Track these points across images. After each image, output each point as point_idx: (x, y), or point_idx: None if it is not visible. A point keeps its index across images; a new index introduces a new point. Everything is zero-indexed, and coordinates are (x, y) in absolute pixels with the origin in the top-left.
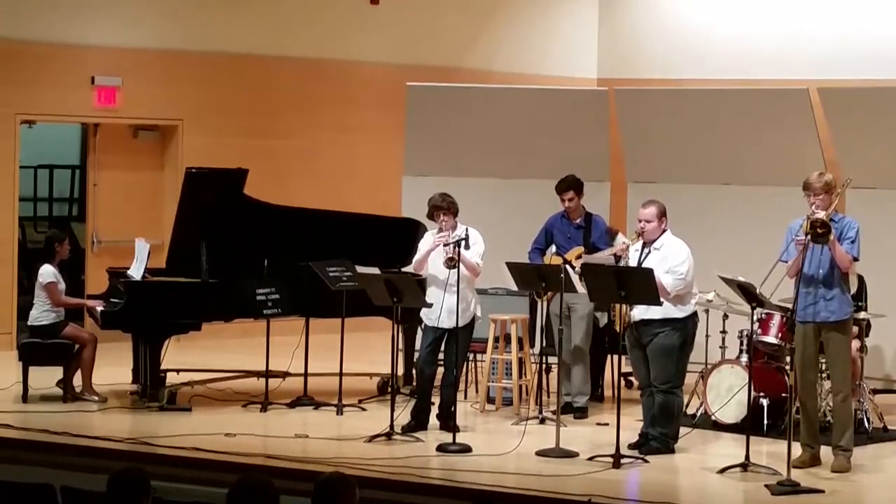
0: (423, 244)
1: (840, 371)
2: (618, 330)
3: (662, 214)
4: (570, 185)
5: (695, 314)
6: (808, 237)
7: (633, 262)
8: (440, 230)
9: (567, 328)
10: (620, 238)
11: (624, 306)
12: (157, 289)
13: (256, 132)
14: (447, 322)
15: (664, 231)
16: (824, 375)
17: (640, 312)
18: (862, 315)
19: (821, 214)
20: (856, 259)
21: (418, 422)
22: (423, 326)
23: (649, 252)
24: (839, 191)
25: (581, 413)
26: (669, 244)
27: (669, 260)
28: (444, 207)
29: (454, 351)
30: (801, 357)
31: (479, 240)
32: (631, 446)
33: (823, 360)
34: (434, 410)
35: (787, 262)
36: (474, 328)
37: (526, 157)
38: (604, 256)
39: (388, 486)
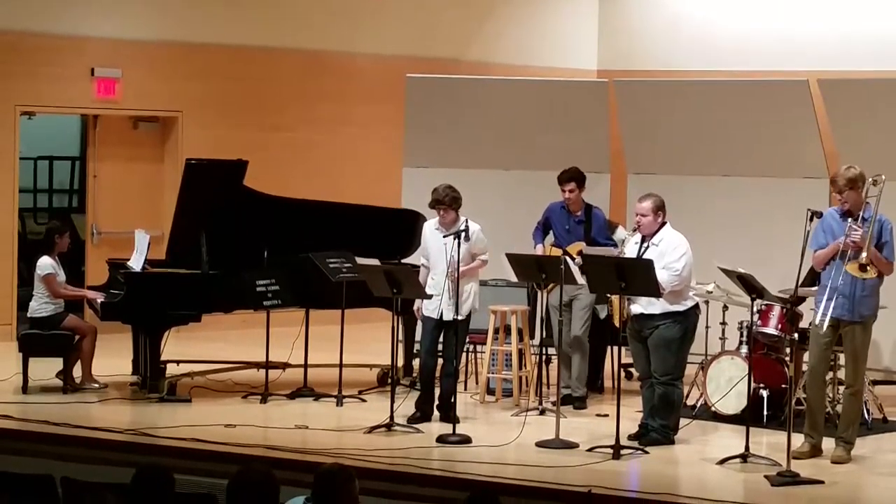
0: (426, 238)
1: (853, 365)
2: (616, 325)
3: (659, 208)
4: (572, 177)
5: (696, 306)
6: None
7: (631, 256)
8: (440, 221)
9: (567, 319)
10: (621, 231)
11: (622, 300)
12: (156, 280)
13: (256, 124)
14: (447, 314)
15: (662, 225)
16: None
17: (642, 307)
18: None
19: (859, 234)
20: (893, 261)
21: (423, 413)
22: (421, 318)
23: (648, 247)
24: (867, 186)
25: (580, 403)
26: (668, 239)
27: (667, 256)
28: (445, 203)
29: (453, 342)
30: (815, 348)
31: (480, 237)
32: (631, 437)
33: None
34: (435, 401)
35: (816, 250)
36: (471, 319)
37: (526, 148)
38: (605, 250)
39: (388, 476)
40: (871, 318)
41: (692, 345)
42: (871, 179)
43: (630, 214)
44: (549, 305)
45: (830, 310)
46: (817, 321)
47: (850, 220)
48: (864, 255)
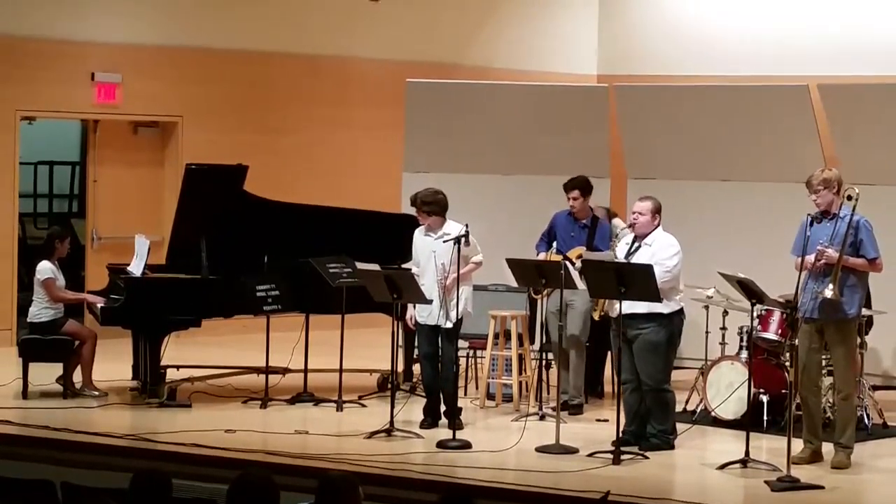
0: (416, 246)
1: (842, 369)
2: (595, 318)
3: (657, 211)
4: (576, 185)
5: (681, 311)
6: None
7: (621, 255)
8: (427, 227)
9: (565, 323)
10: (618, 222)
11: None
12: (156, 285)
13: (256, 128)
14: (442, 319)
15: (656, 227)
16: (825, 372)
17: (625, 306)
18: (863, 312)
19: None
20: (876, 258)
21: (434, 418)
22: (415, 326)
23: (639, 247)
24: (842, 200)
25: (576, 410)
26: (660, 240)
27: (659, 254)
28: (429, 206)
29: (449, 347)
30: (804, 353)
31: (471, 239)
32: (613, 444)
33: (825, 357)
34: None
35: (796, 257)
36: (466, 323)
37: (526, 153)
38: (604, 253)
39: (388, 482)
40: (850, 320)
41: (679, 349)
42: (846, 194)
43: (629, 220)
44: (548, 311)
45: (809, 310)
46: (799, 317)
47: (820, 243)
48: (829, 289)
